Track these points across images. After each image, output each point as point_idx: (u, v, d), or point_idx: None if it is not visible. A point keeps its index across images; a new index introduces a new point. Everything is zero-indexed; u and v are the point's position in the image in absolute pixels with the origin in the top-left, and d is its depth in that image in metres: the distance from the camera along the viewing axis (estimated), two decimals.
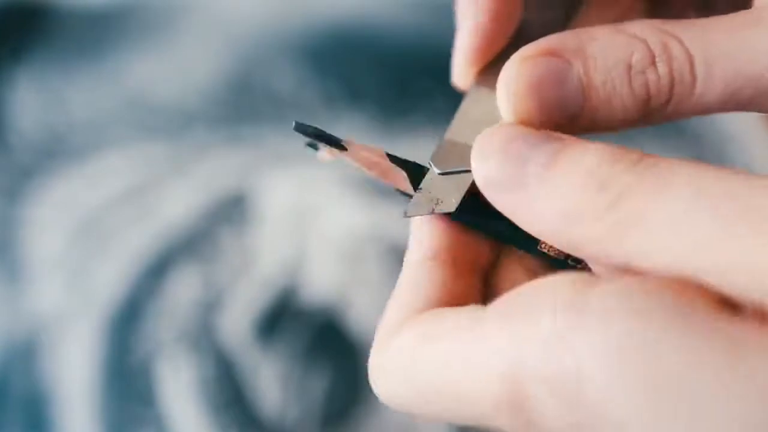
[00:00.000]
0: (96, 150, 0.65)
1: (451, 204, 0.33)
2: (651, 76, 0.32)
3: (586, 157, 0.28)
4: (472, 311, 0.29)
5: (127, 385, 0.58)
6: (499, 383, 0.27)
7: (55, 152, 0.66)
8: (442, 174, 0.33)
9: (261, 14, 0.71)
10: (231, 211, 0.63)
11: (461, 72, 0.37)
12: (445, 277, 0.32)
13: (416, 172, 0.34)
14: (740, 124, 0.67)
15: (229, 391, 0.57)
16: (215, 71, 0.69)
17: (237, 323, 0.59)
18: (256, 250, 0.62)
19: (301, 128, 0.33)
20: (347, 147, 0.34)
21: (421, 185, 0.33)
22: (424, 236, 0.34)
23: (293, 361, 0.58)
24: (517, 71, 0.32)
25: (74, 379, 0.58)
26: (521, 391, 0.26)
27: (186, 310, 0.60)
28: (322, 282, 0.61)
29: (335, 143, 0.34)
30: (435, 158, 0.34)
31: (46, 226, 0.63)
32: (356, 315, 0.59)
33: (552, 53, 0.33)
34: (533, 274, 0.33)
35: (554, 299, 0.26)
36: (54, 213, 0.63)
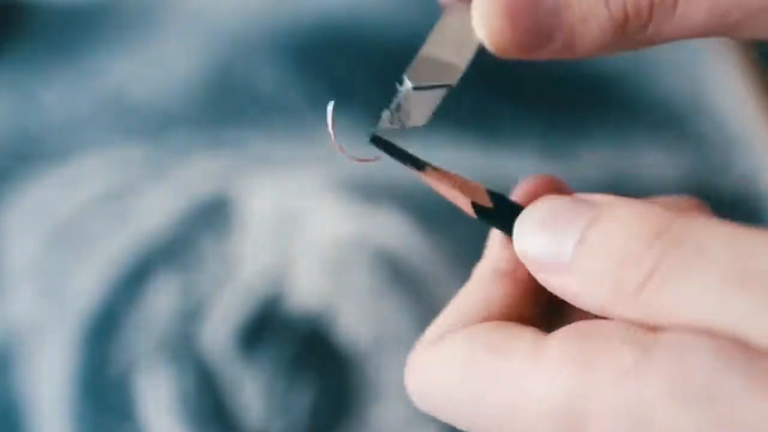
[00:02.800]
0: (71, 153, 0.65)
1: (422, 118, 0.34)
2: None
3: (616, 231, 0.29)
4: (535, 334, 0.30)
5: (103, 398, 0.58)
6: (557, 411, 0.28)
7: (29, 155, 0.66)
8: (416, 89, 0.34)
9: (243, 11, 0.71)
10: (212, 217, 0.63)
11: None
12: (513, 294, 0.33)
13: (500, 202, 0.34)
14: (745, 126, 0.68)
15: (210, 404, 0.57)
16: (196, 70, 0.69)
17: (218, 334, 0.59)
18: (238, 257, 0.62)
19: (379, 143, 0.34)
20: (426, 170, 0.34)
21: (394, 100, 0.34)
22: (501, 250, 0.34)
23: (277, 374, 0.58)
24: None
25: (49, 391, 0.58)
26: (581, 422, 0.27)
27: (165, 320, 0.60)
28: (308, 291, 0.61)
29: (414, 163, 0.34)
30: (410, 73, 0.34)
31: (19, 232, 0.63)
32: (343, 325, 0.59)
33: None
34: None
35: (623, 336, 0.27)
36: (28, 218, 0.63)
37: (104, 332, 0.59)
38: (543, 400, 0.28)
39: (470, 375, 0.30)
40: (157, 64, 0.69)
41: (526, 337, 0.30)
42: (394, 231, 0.62)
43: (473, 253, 0.64)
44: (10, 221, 0.63)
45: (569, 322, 0.30)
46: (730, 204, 0.63)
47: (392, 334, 0.59)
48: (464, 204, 0.34)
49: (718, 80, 0.70)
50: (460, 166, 0.64)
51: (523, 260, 0.31)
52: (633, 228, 0.28)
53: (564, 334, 0.29)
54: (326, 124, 0.34)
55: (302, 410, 0.57)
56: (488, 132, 0.65)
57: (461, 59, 0.35)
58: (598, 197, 0.30)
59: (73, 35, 0.70)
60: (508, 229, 0.32)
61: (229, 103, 0.68)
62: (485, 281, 0.34)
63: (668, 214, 0.28)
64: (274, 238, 0.62)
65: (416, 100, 0.34)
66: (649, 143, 0.66)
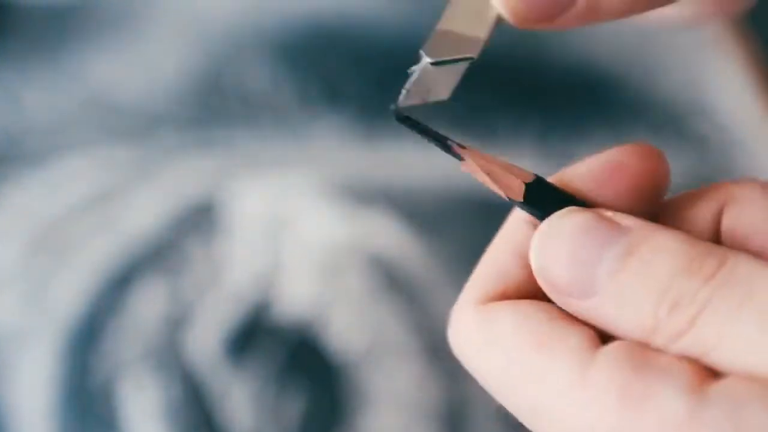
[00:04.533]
0: (55, 155, 0.66)
1: (444, 92, 0.33)
2: None
3: (657, 263, 0.28)
4: (584, 340, 0.29)
5: (87, 407, 0.57)
6: None
7: (11, 157, 0.66)
8: (435, 64, 0.34)
9: (233, 8, 0.72)
10: (200, 220, 0.63)
11: None
12: None
13: (543, 188, 0.33)
14: (747, 127, 0.68)
15: (197, 414, 0.57)
16: (183, 69, 0.69)
17: (206, 341, 0.59)
18: (226, 262, 0.61)
19: (407, 122, 0.33)
20: (461, 152, 0.34)
21: (412, 76, 0.34)
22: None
23: (266, 382, 0.58)
24: None
25: (31, 400, 0.58)
26: None
27: (151, 326, 0.59)
28: (298, 297, 0.60)
29: (445, 146, 0.34)
30: (427, 48, 0.34)
31: (0, 236, 0.63)
32: (335, 332, 0.59)
33: None
34: None
35: (679, 380, 0.27)
36: (9, 222, 0.63)
37: (88, 339, 0.59)
38: (582, 426, 0.28)
39: (512, 367, 0.30)
40: (142, 63, 0.70)
41: (574, 341, 0.29)
42: (387, 234, 0.62)
43: (470, 257, 0.63)
44: None
45: None
46: None
47: (386, 342, 0.59)
48: (502, 187, 0.33)
49: (719, 80, 0.70)
50: (457, 167, 0.63)
51: (540, 279, 0.30)
52: (678, 262, 0.28)
53: (615, 359, 0.28)
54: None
55: (292, 420, 0.57)
56: (485, 133, 0.65)
57: (481, 31, 0.34)
58: (626, 220, 0.30)
59: (55, 34, 0.71)
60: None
61: (217, 103, 0.68)
62: (518, 230, 0.33)
63: (713, 251, 0.28)
64: (263, 241, 0.62)
65: (436, 75, 0.34)
66: (649, 144, 0.66)
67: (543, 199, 0.32)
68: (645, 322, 0.28)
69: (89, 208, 0.63)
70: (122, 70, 0.69)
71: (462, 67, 0.34)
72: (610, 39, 0.70)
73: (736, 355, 0.27)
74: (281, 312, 0.60)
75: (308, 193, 0.64)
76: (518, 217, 0.33)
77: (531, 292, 0.31)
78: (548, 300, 0.31)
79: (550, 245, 0.30)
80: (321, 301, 0.60)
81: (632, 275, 0.28)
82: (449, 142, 0.33)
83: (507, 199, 0.33)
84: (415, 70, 0.34)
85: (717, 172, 0.66)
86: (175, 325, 0.59)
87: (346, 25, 0.71)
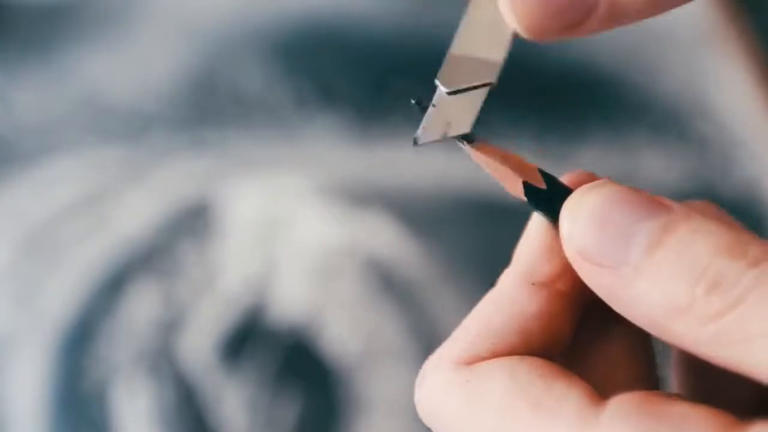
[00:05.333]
0: (45, 155, 0.66)
1: (465, 125, 0.32)
2: None
3: (697, 242, 0.27)
4: (583, 398, 0.28)
5: (80, 411, 0.57)
6: None
7: (0, 158, 0.66)
8: (452, 93, 0.33)
9: (226, 7, 0.72)
10: (193, 223, 0.63)
11: None
12: (551, 311, 0.31)
13: (554, 185, 0.32)
14: (748, 127, 0.68)
15: (190, 418, 0.57)
16: (176, 69, 0.69)
17: (199, 345, 0.59)
18: (220, 265, 0.61)
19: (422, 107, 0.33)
20: (474, 144, 0.33)
21: (429, 109, 0.33)
22: (538, 257, 0.32)
23: (261, 387, 0.58)
24: None
25: (23, 404, 0.58)
26: None
27: (144, 330, 0.59)
28: (293, 300, 0.60)
29: (463, 136, 0.33)
30: (442, 76, 0.33)
31: None
32: (330, 336, 0.59)
33: None
34: (641, 366, 0.32)
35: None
36: (0, 224, 0.63)
37: (80, 343, 0.59)
38: None
39: (505, 428, 0.28)
40: (134, 62, 0.69)
41: (574, 398, 0.27)
42: (383, 236, 0.62)
43: (467, 260, 0.63)
44: None
45: (597, 347, 0.28)
46: (732, 208, 0.63)
47: (382, 346, 0.59)
48: (512, 183, 0.32)
49: (721, 80, 0.70)
50: (453, 168, 0.63)
51: (567, 245, 0.29)
52: (720, 243, 0.27)
53: (625, 415, 0.27)
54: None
55: (287, 425, 0.57)
56: (483, 132, 0.64)
57: (497, 53, 0.33)
58: (668, 200, 0.29)
59: (46, 34, 0.71)
60: (557, 216, 0.31)
61: (211, 103, 0.68)
62: (517, 293, 0.31)
63: (756, 240, 0.27)
64: (257, 244, 0.62)
65: (454, 106, 0.33)
66: (649, 145, 0.66)
67: (548, 196, 0.32)
68: (678, 299, 0.27)
69: (80, 209, 0.63)
70: (114, 69, 0.69)
71: (481, 94, 0.32)
72: (609, 39, 0.70)
73: None
74: (276, 315, 0.60)
75: (303, 194, 0.64)
76: (514, 279, 0.32)
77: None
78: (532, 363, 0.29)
79: (585, 210, 0.29)
80: (316, 305, 0.60)
81: (669, 251, 0.27)
82: (471, 136, 0.33)
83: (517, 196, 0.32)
84: (433, 100, 0.33)
85: (717, 173, 0.65)
86: (168, 328, 0.59)
87: (341, 24, 0.71)
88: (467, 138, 0.33)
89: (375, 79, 0.68)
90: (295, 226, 0.63)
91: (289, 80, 0.68)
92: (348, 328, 0.59)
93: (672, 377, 0.35)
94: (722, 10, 0.71)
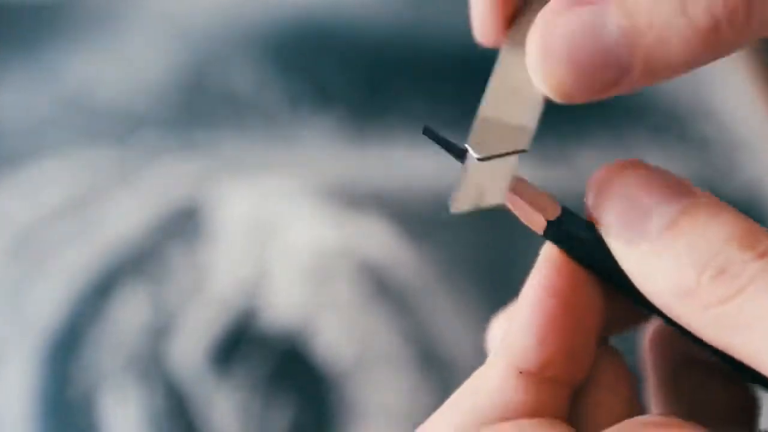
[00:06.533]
0: (31, 157, 0.66)
1: (498, 195, 0.32)
2: None
3: (712, 228, 0.29)
4: None
5: (68, 418, 0.57)
6: None
7: None
8: (482, 159, 0.32)
9: (217, 5, 0.72)
10: (183, 225, 0.63)
11: (483, 27, 0.35)
12: (538, 400, 0.31)
13: (569, 218, 0.33)
14: (750, 128, 0.68)
15: (181, 426, 0.57)
16: (166, 69, 0.69)
17: (190, 350, 0.59)
18: (211, 268, 0.61)
19: (431, 134, 0.33)
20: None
21: (461, 177, 0.32)
22: (525, 344, 0.31)
23: (253, 393, 0.58)
24: (541, 34, 0.30)
25: (10, 411, 0.58)
26: None
27: (133, 335, 0.59)
28: (285, 304, 0.60)
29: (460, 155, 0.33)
30: (472, 141, 0.33)
31: None
32: (323, 341, 0.59)
33: (580, 1, 0.30)
34: (626, 403, 0.33)
35: None
36: None
37: (68, 348, 0.59)
38: None
39: None
40: (123, 62, 0.70)
41: None
42: (378, 240, 0.62)
43: (462, 264, 0.62)
44: None
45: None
46: None
47: (376, 351, 0.59)
48: (536, 221, 0.32)
49: (722, 81, 0.70)
50: (452, 170, 0.63)
51: (598, 217, 0.31)
52: (732, 232, 0.28)
53: None
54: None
55: None
56: None
57: (529, 118, 0.33)
58: (693, 187, 0.30)
59: (32, 33, 0.71)
60: (570, 248, 0.32)
61: (201, 104, 0.68)
62: (505, 382, 0.31)
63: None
64: (249, 247, 0.62)
65: (486, 174, 0.32)
66: (650, 146, 0.66)
67: (567, 234, 0.32)
68: (684, 282, 0.28)
69: (68, 212, 0.63)
70: (102, 69, 0.69)
71: (513, 161, 0.32)
72: None
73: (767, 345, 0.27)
74: (268, 320, 0.60)
75: (296, 197, 0.64)
76: (502, 368, 0.31)
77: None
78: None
79: (613, 188, 0.30)
80: (309, 309, 0.60)
81: (682, 234, 0.29)
82: None
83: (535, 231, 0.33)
84: (464, 167, 0.32)
85: (718, 174, 0.66)
86: (158, 333, 0.59)
87: (336, 24, 0.71)
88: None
89: (369, 80, 0.68)
90: (287, 229, 0.63)
91: (281, 80, 0.68)
92: (341, 333, 0.59)
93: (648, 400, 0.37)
94: None
